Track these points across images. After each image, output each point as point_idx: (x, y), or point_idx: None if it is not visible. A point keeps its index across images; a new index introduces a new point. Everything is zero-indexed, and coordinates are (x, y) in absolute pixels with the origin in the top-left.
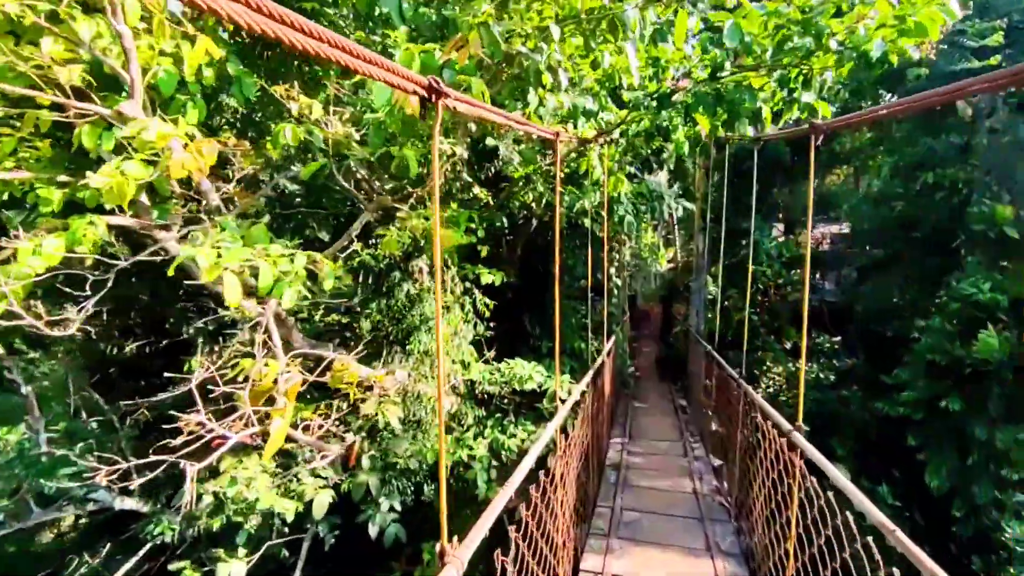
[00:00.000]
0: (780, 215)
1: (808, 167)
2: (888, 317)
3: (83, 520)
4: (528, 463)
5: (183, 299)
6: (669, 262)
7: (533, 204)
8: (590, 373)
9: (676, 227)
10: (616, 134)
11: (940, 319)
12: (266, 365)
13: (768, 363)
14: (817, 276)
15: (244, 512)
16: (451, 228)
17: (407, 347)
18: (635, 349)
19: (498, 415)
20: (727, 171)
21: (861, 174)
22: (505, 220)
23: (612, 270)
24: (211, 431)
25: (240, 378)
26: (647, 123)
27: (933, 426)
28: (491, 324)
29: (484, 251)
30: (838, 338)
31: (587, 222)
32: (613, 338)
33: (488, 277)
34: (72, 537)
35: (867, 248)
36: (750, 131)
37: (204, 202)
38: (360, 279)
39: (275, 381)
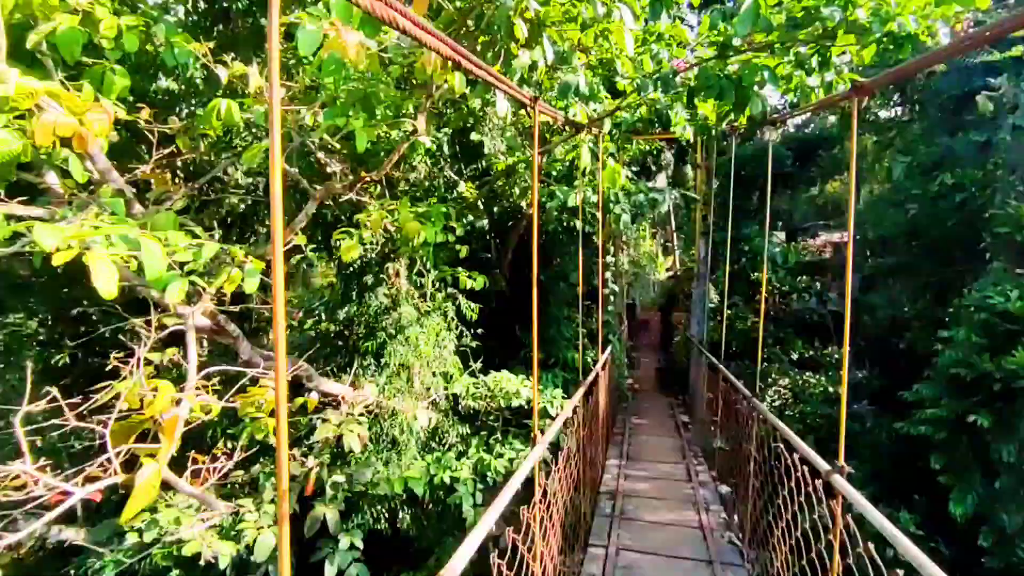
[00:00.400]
0: (780, 223)
1: (810, 173)
2: (899, 328)
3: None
4: (511, 489)
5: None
6: (668, 270)
7: (524, 204)
8: (581, 390)
9: (675, 235)
10: (608, 126)
11: (965, 331)
12: (154, 389)
13: (773, 375)
14: (818, 285)
15: (171, 556)
16: (425, 224)
17: (381, 359)
18: (634, 360)
19: (483, 433)
20: (731, 167)
21: (862, 182)
22: (490, 220)
23: (608, 275)
24: (52, 486)
25: (129, 404)
26: (644, 110)
27: (958, 447)
28: (480, 333)
29: (464, 251)
30: (846, 349)
31: (578, 223)
32: (609, 349)
33: (468, 281)
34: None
35: (876, 255)
36: (769, 103)
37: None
38: (338, 281)
39: (168, 408)
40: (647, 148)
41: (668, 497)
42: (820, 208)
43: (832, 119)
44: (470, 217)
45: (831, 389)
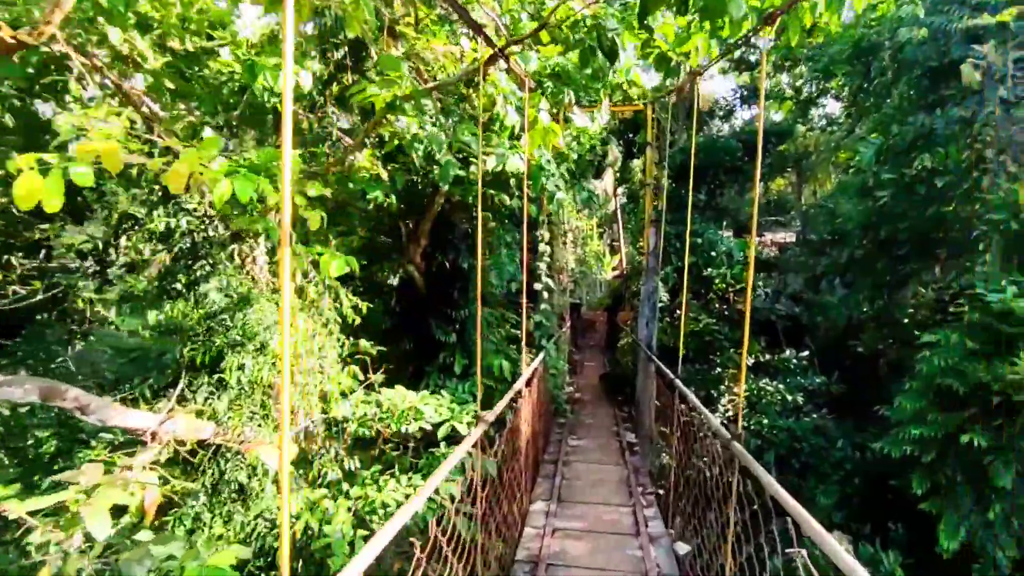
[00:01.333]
0: (727, 220)
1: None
2: (855, 330)
3: None
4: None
5: None
6: (614, 269)
7: (438, 178)
8: (492, 414)
9: (622, 234)
10: (534, 63)
11: (958, 334)
12: None
13: (728, 382)
14: (760, 285)
15: None
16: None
17: (219, 375)
18: (577, 363)
19: (380, 466)
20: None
21: (806, 180)
22: (400, 199)
23: (542, 266)
24: None
25: None
26: (585, 31)
27: (944, 470)
28: (390, 333)
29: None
30: (805, 353)
31: (507, 199)
32: (541, 358)
33: (332, 263)
34: None
35: (836, 251)
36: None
37: None
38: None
39: None
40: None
41: (610, 568)
42: (766, 206)
43: (780, 116)
44: (379, 195)
45: (789, 397)
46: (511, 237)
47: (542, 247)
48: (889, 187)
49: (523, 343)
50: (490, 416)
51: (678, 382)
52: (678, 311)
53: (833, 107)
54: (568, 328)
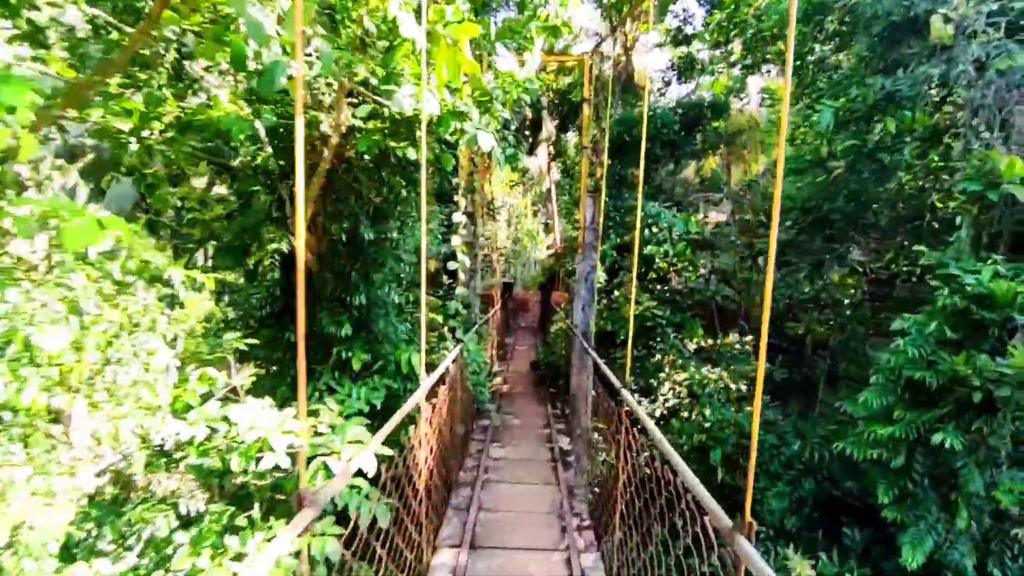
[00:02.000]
0: (663, 196)
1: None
2: (795, 312)
3: None
4: None
5: None
6: (549, 247)
7: (259, 88)
8: (376, 439)
9: (556, 212)
10: None
11: (935, 320)
12: None
13: (667, 369)
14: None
15: None
16: None
17: None
18: (508, 347)
19: (220, 514)
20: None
21: (737, 159)
22: (281, 155)
23: (456, 240)
24: None
25: None
26: None
27: (912, 475)
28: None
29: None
30: (749, 338)
31: (413, 151)
32: (455, 355)
33: (79, 228)
34: None
35: (757, 235)
36: None
37: None
38: None
39: None
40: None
41: None
42: (699, 184)
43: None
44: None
45: (733, 386)
46: (432, 206)
47: (457, 217)
48: (848, 155)
49: (422, 334)
50: (328, 492)
51: (627, 395)
52: (616, 292)
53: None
54: (498, 311)
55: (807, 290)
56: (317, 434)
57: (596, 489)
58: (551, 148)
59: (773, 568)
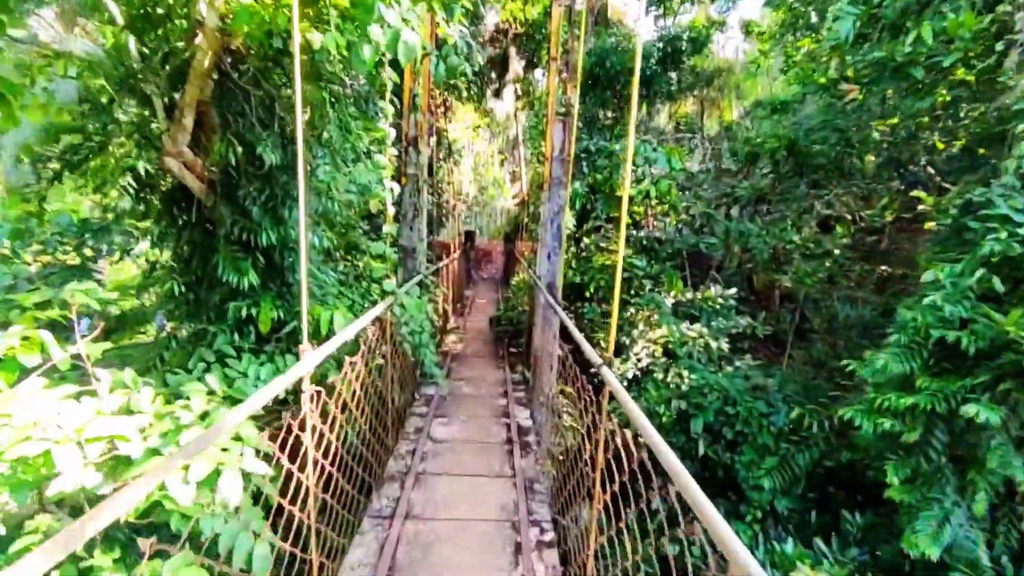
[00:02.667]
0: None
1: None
2: (780, 263)
3: None
4: None
5: None
6: (515, 197)
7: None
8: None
9: (523, 160)
10: None
11: (974, 270)
12: None
13: (642, 325)
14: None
15: None
16: None
17: None
18: (468, 301)
19: None
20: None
21: (710, 103)
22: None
23: (380, 159)
24: None
25: None
26: None
27: (930, 452)
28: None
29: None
30: (733, 291)
31: (316, 37)
32: (379, 310)
33: None
34: None
35: (756, 174)
36: None
37: None
38: None
39: None
40: None
41: None
42: (677, 128)
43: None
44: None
45: (714, 344)
46: (364, 123)
47: (386, 126)
48: (872, 72)
49: (303, 291)
50: None
51: (609, 376)
52: (585, 240)
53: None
54: (455, 258)
55: (796, 239)
56: (175, 429)
57: (562, 489)
58: (518, 89)
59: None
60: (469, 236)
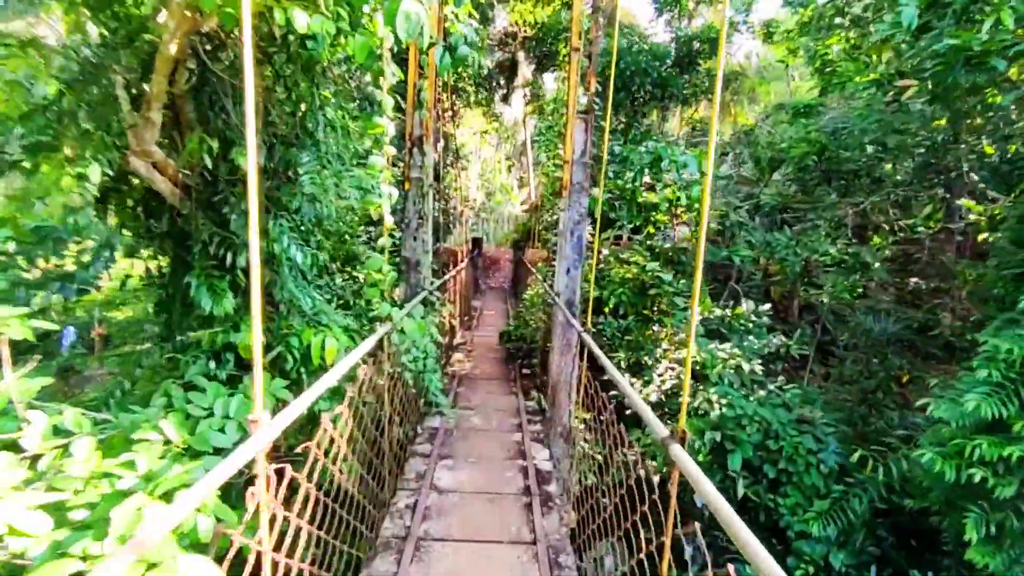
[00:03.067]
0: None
1: None
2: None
3: None
4: None
5: None
6: (522, 203)
7: None
8: None
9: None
10: None
11: None
12: None
13: (666, 344)
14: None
15: None
16: None
17: None
18: (476, 312)
19: None
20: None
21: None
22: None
23: (376, 159)
24: None
25: None
26: None
27: (1022, 508)
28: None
29: None
30: (767, 307)
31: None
32: (372, 343)
33: None
34: None
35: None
36: None
37: None
38: None
39: None
40: None
41: None
42: (692, 131)
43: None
44: None
45: (746, 366)
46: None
47: (383, 121)
48: (937, 65)
49: (255, 313)
50: None
51: (679, 453)
52: (603, 251)
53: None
54: (463, 266)
55: (832, 251)
56: (112, 495)
57: (582, 529)
58: (527, 94)
59: None
60: (477, 243)
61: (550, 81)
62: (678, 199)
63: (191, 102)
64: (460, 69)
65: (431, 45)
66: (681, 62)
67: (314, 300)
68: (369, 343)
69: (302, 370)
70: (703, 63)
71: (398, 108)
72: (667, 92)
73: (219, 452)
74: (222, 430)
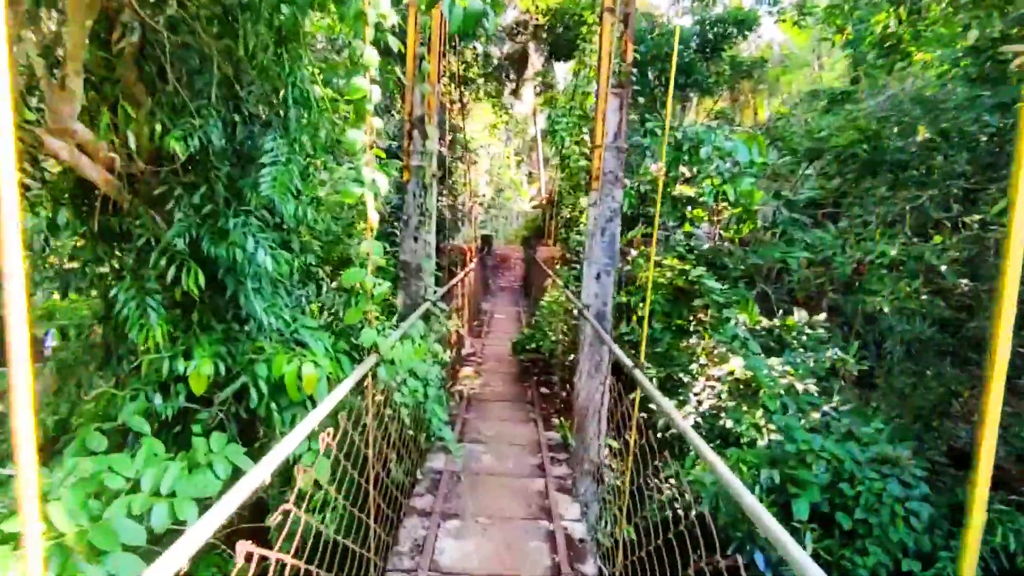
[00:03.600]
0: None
1: None
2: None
3: None
4: None
5: None
6: (532, 199)
7: None
8: None
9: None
10: None
11: None
12: None
13: (704, 359)
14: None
15: None
16: None
17: None
18: (486, 317)
19: None
20: None
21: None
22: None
23: (355, 135)
24: None
25: None
26: None
27: None
28: None
29: None
30: (822, 317)
31: None
32: (359, 377)
33: None
34: None
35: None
36: None
37: None
38: None
39: None
40: None
41: None
42: (716, 119)
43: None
44: None
45: (800, 387)
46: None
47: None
48: None
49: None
50: None
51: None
52: (632, 251)
53: None
54: (472, 268)
55: (891, 251)
56: None
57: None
58: (538, 87)
59: None
60: (486, 241)
61: (562, 73)
62: (723, 193)
63: (133, 69)
64: (469, 58)
65: (435, 1)
66: (705, 47)
67: (289, 318)
68: (345, 387)
69: (272, 406)
70: (729, 49)
71: (399, 84)
72: (690, 79)
73: (131, 550)
74: (142, 517)
